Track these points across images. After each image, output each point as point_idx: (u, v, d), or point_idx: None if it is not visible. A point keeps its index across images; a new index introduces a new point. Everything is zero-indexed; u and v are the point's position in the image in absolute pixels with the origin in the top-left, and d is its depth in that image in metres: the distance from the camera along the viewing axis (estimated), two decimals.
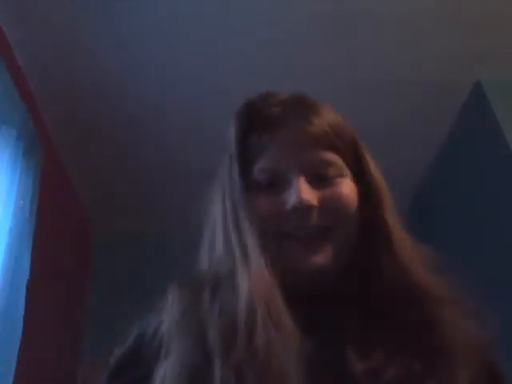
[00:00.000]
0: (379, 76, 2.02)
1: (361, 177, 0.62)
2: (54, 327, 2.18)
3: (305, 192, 0.56)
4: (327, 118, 0.62)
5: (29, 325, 1.52)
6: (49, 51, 1.86)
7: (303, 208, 0.55)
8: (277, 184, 0.58)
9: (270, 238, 0.56)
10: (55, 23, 1.77)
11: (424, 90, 2.08)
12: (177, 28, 1.82)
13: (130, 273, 2.76)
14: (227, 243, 0.56)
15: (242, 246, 0.54)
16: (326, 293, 0.56)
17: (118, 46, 1.87)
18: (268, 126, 0.61)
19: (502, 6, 1.78)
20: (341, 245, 0.57)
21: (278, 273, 0.52)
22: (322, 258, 0.55)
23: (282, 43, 1.88)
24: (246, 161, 0.60)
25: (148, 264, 2.80)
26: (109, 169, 2.47)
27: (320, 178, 0.58)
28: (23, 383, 1.53)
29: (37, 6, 1.69)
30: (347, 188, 0.59)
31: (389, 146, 2.33)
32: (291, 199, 0.56)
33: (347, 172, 0.61)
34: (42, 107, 2.06)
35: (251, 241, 0.53)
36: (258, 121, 0.62)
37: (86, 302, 2.65)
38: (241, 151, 0.61)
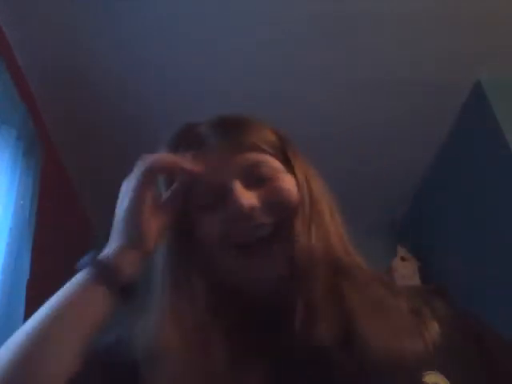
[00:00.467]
0: (379, 76, 2.02)
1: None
2: None
3: (242, 196, 0.55)
4: (250, 128, 0.62)
5: None
6: (49, 51, 1.86)
7: (245, 213, 0.54)
8: (215, 198, 0.58)
9: (221, 255, 0.57)
10: (55, 23, 1.77)
11: (424, 90, 2.08)
12: (177, 28, 1.82)
13: None
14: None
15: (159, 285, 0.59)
16: (280, 299, 0.56)
17: (118, 46, 1.87)
18: (191, 147, 0.61)
19: (502, 5, 1.78)
20: (290, 242, 0.56)
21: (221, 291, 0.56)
22: (276, 266, 0.55)
23: (281, 43, 1.88)
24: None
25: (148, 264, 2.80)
26: (109, 169, 2.47)
27: (256, 179, 0.58)
28: None
29: (37, 5, 1.69)
30: (286, 182, 0.59)
31: (389, 146, 2.33)
32: (232, 209, 0.55)
33: (284, 170, 0.60)
34: (42, 107, 2.06)
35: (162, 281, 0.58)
36: (182, 147, 0.62)
37: None
38: (169, 180, 0.61)
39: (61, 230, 2.34)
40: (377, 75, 2.02)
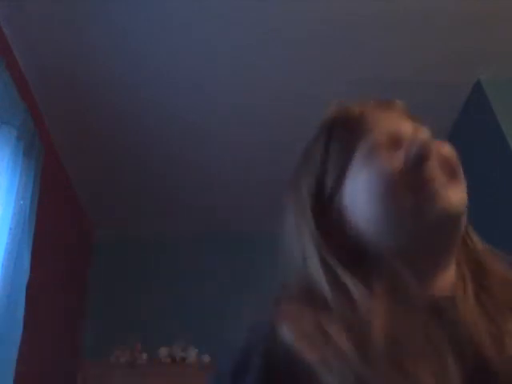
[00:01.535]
0: (379, 76, 2.02)
1: None
2: (54, 327, 2.18)
3: (421, 133, 0.56)
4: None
5: (29, 325, 1.52)
6: (49, 51, 1.86)
7: (423, 146, 0.54)
8: (394, 143, 0.56)
9: (401, 194, 0.53)
10: (55, 23, 1.77)
11: (424, 90, 2.08)
12: (177, 28, 1.82)
13: (129, 273, 2.77)
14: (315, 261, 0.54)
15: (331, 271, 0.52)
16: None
17: (118, 47, 1.87)
18: (362, 119, 0.60)
19: (501, 5, 1.78)
20: (466, 201, 0.56)
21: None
22: (460, 195, 0.55)
23: (283, 44, 1.88)
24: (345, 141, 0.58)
25: (148, 264, 2.80)
26: (109, 169, 2.47)
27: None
28: (23, 383, 1.53)
29: (37, 5, 1.69)
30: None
31: None
32: (410, 142, 0.55)
33: None
34: (42, 107, 2.06)
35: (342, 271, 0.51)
36: (350, 120, 0.61)
37: (86, 301, 2.65)
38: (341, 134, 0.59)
39: (61, 230, 2.34)
40: (377, 75, 2.02)
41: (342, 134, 0.59)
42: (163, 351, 2.38)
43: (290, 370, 0.45)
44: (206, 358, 2.35)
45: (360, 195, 0.55)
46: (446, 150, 0.57)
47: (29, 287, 1.54)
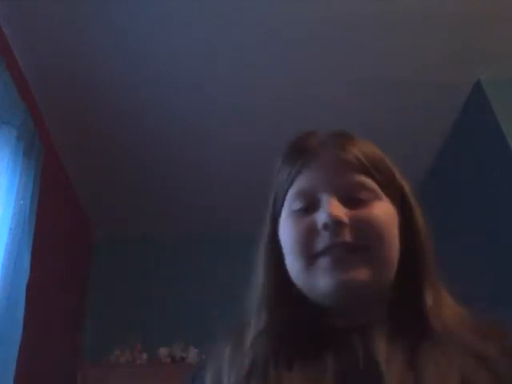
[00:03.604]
0: (380, 76, 2.02)
1: (404, 214, 0.63)
2: (54, 327, 2.18)
3: (335, 208, 0.56)
4: (363, 147, 0.63)
5: (29, 325, 1.52)
6: (49, 51, 1.86)
7: (334, 224, 0.55)
8: (309, 206, 0.59)
9: (302, 263, 0.57)
10: (55, 23, 1.77)
11: (424, 90, 2.08)
12: (177, 28, 1.82)
13: (129, 273, 2.77)
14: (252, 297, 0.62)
15: (256, 302, 0.60)
16: (360, 324, 0.55)
17: (118, 47, 1.87)
18: (304, 154, 0.62)
19: (502, 5, 1.78)
20: (380, 269, 0.56)
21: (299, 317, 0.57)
22: (359, 274, 0.54)
23: (283, 44, 1.88)
24: (280, 191, 0.63)
25: (148, 264, 2.80)
26: (109, 169, 2.47)
27: (353, 200, 0.58)
28: (23, 383, 1.54)
29: (37, 5, 1.69)
30: (380, 210, 0.58)
31: (389, 147, 2.32)
32: (322, 217, 0.56)
33: (383, 197, 0.60)
34: (42, 107, 2.06)
35: (263, 300, 0.59)
36: (295, 153, 0.63)
37: (86, 301, 2.65)
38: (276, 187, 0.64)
39: (61, 230, 2.34)
40: (377, 75, 2.02)
41: (284, 168, 0.63)
42: (163, 351, 2.38)
43: None
44: None
45: (284, 245, 0.60)
46: (364, 215, 0.58)
47: (29, 287, 1.54)
